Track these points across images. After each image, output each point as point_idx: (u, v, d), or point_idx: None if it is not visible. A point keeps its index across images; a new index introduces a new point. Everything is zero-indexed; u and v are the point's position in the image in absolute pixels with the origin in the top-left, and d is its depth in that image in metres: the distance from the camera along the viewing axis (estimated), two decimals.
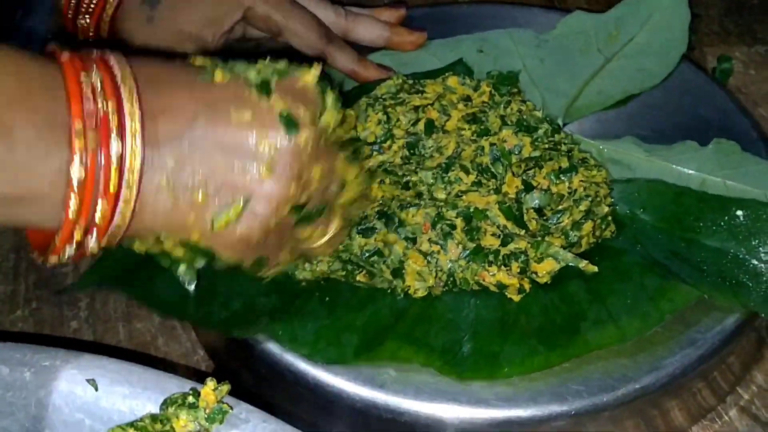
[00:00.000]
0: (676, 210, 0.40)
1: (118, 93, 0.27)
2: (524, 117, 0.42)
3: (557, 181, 0.40)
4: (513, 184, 0.40)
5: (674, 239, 0.39)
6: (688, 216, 0.40)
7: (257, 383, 0.38)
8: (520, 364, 0.34)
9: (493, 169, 0.40)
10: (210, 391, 0.27)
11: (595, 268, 0.37)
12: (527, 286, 0.37)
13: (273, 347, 0.36)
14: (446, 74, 0.45)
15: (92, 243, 0.28)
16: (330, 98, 0.31)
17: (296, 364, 0.35)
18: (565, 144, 0.42)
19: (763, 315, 0.37)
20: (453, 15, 0.53)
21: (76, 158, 0.26)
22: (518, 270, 0.37)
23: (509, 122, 0.42)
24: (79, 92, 0.27)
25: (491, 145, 0.41)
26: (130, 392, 0.28)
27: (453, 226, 0.37)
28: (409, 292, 0.36)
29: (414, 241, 0.37)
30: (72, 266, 0.46)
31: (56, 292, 0.44)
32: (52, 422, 0.29)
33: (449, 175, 0.39)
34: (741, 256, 0.38)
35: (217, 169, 0.29)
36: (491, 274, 0.36)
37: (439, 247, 0.37)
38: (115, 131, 0.27)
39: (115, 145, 0.27)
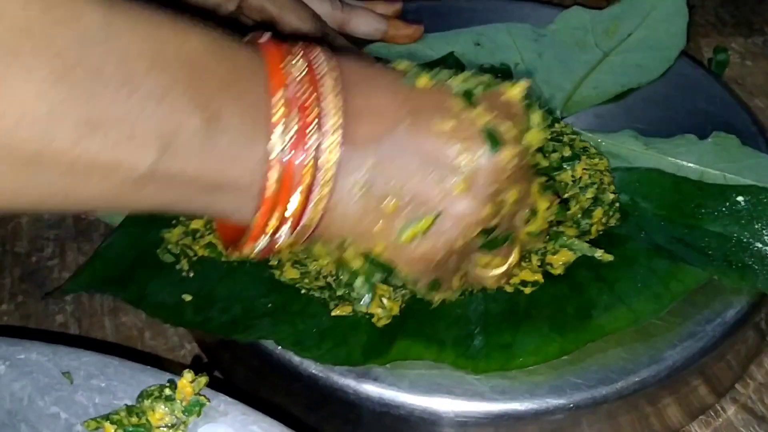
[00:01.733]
0: (676, 198, 0.38)
1: (320, 85, 0.25)
2: None
3: (562, 171, 0.38)
4: None
5: (677, 226, 0.37)
6: (688, 203, 0.38)
7: (250, 377, 0.37)
8: (535, 353, 0.32)
9: None
10: (187, 383, 0.25)
11: (611, 257, 0.35)
12: (540, 279, 0.35)
13: (264, 341, 0.33)
14: (437, 68, 0.44)
15: (283, 238, 0.26)
16: (536, 116, 0.29)
17: (288, 358, 0.33)
18: (566, 134, 0.40)
19: None
20: (450, 9, 0.51)
21: (277, 148, 0.25)
22: (538, 264, 0.35)
23: None
24: (281, 80, 0.25)
25: None
26: (107, 385, 0.27)
27: None
28: (372, 320, 0.34)
29: None
30: (57, 260, 0.45)
31: (44, 296, 0.43)
32: (26, 416, 0.27)
33: None
34: (745, 240, 0.36)
35: (412, 178, 0.27)
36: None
37: None
38: (314, 124, 0.25)
39: (313, 138, 0.25)
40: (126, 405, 0.25)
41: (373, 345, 0.33)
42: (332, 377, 0.33)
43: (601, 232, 0.37)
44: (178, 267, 0.37)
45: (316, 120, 0.25)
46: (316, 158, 0.25)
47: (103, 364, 0.27)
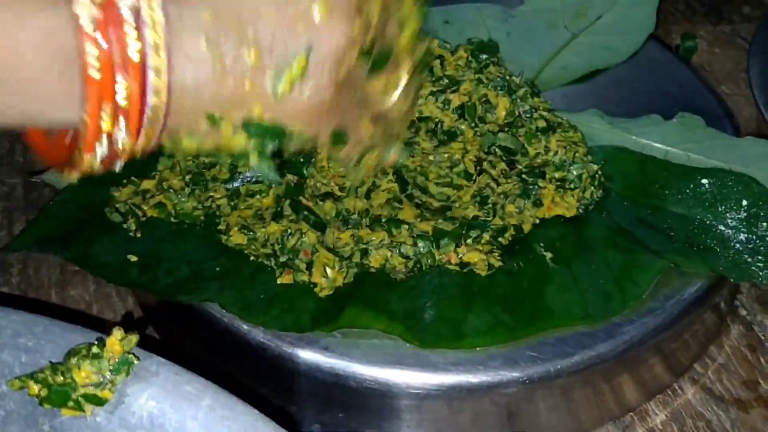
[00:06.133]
0: (641, 178, 0.38)
1: None
2: (505, 78, 0.40)
3: (534, 141, 0.38)
4: (477, 143, 0.37)
5: (640, 207, 0.37)
6: (653, 184, 0.37)
7: (198, 347, 0.35)
8: (484, 335, 0.31)
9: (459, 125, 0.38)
10: (116, 341, 0.24)
11: None
12: (496, 262, 0.34)
13: (212, 308, 0.32)
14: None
15: (123, 135, 0.22)
16: None
17: (236, 326, 0.32)
18: (543, 109, 0.39)
19: (732, 279, 0.35)
20: None
21: (84, 15, 0.20)
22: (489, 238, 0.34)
23: (485, 81, 0.39)
24: None
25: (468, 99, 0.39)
26: (34, 344, 0.25)
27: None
28: (315, 289, 0.33)
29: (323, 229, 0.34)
30: (5, 231, 0.43)
31: None
32: None
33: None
34: (708, 223, 0.36)
35: (265, 15, 0.22)
36: (459, 255, 0.33)
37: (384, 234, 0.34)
38: None
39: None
40: (51, 363, 0.24)
41: (322, 312, 0.32)
42: (281, 346, 0.31)
43: (586, 207, 0.37)
44: (125, 227, 0.35)
45: None
46: (138, 23, 0.21)
47: (32, 322, 0.26)
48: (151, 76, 0.21)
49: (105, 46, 0.20)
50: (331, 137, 0.26)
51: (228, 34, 0.22)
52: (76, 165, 0.23)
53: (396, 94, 0.27)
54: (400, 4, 0.27)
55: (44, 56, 0.21)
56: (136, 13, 0.21)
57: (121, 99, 0.21)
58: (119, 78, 0.21)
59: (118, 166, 0.23)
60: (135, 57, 0.21)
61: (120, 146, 0.22)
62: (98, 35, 0.20)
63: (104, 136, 0.22)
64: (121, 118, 0.22)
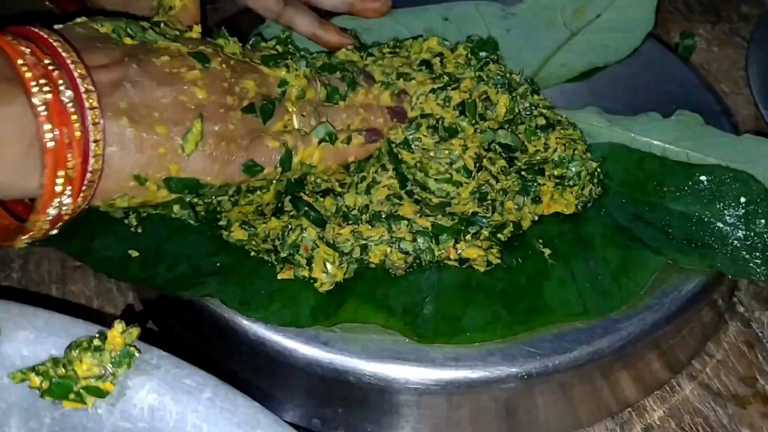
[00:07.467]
0: (639, 175, 0.38)
1: (53, 49, 0.28)
2: (505, 76, 0.40)
3: (534, 138, 0.38)
4: (477, 140, 0.37)
5: (638, 203, 0.37)
6: (651, 181, 0.37)
7: (198, 342, 0.35)
8: (482, 330, 0.31)
9: (461, 122, 0.38)
10: (117, 333, 0.24)
11: None
12: (495, 259, 0.34)
13: (213, 303, 0.32)
14: (424, 36, 0.43)
15: (67, 199, 0.28)
16: (221, 37, 0.36)
17: (237, 321, 0.32)
18: (543, 106, 0.40)
19: (729, 276, 0.35)
20: None
21: (41, 107, 0.26)
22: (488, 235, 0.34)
23: (485, 78, 0.39)
24: (15, 51, 0.27)
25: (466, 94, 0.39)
26: (35, 337, 0.25)
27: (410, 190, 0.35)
28: (315, 285, 0.33)
29: (323, 225, 0.34)
30: None
31: None
32: None
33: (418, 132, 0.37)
34: (706, 219, 0.36)
35: (163, 100, 0.31)
36: (458, 251, 0.34)
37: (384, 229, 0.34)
38: (63, 79, 0.28)
39: (67, 91, 0.27)
40: (52, 356, 0.24)
41: (322, 307, 0.32)
42: (281, 341, 0.32)
43: (585, 203, 0.37)
44: (126, 222, 0.35)
45: (63, 77, 0.28)
46: (78, 110, 0.28)
47: (32, 315, 0.26)
48: (91, 147, 0.28)
49: (57, 126, 0.27)
50: (246, 170, 0.33)
51: (141, 115, 0.30)
52: (28, 229, 0.28)
53: (294, 124, 0.35)
54: (277, 75, 0.36)
55: (15, 138, 0.27)
56: (76, 101, 0.28)
57: (69, 166, 0.27)
58: (68, 150, 0.27)
59: (58, 228, 0.29)
60: (78, 134, 0.28)
61: (64, 209, 0.28)
62: (52, 118, 0.27)
63: (56, 200, 0.28)
64: (68, 187, 0.28)
